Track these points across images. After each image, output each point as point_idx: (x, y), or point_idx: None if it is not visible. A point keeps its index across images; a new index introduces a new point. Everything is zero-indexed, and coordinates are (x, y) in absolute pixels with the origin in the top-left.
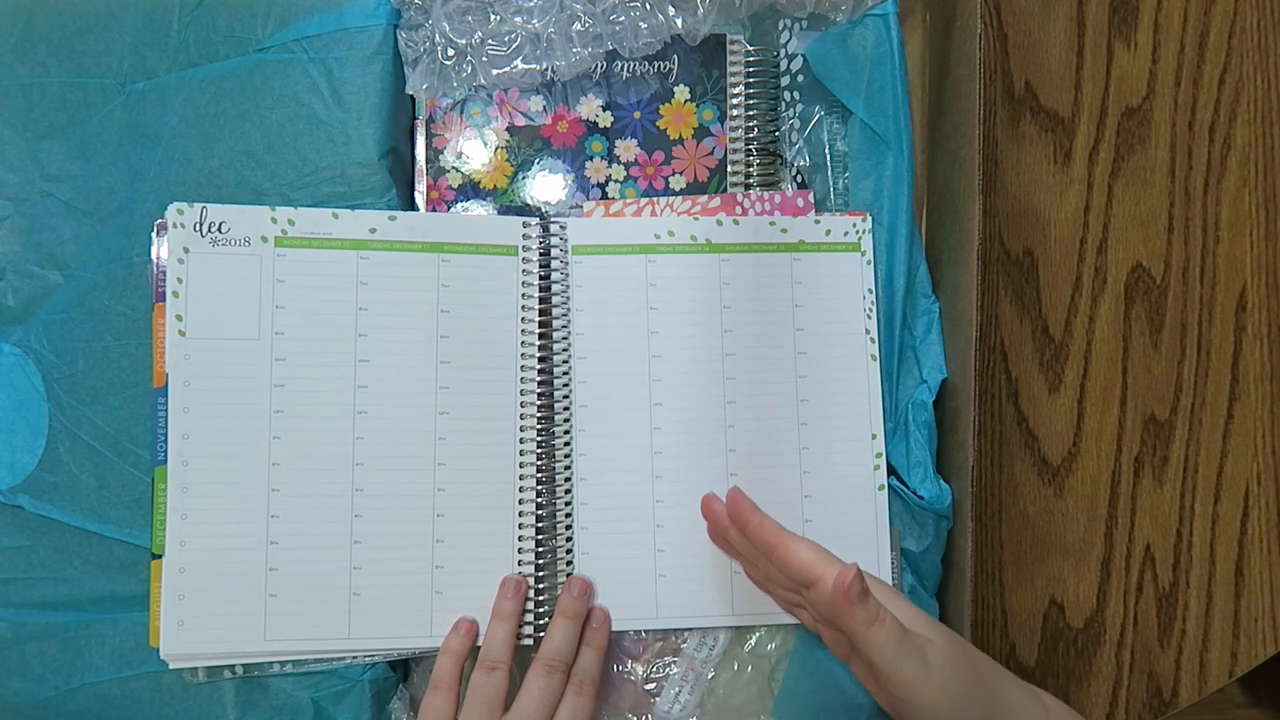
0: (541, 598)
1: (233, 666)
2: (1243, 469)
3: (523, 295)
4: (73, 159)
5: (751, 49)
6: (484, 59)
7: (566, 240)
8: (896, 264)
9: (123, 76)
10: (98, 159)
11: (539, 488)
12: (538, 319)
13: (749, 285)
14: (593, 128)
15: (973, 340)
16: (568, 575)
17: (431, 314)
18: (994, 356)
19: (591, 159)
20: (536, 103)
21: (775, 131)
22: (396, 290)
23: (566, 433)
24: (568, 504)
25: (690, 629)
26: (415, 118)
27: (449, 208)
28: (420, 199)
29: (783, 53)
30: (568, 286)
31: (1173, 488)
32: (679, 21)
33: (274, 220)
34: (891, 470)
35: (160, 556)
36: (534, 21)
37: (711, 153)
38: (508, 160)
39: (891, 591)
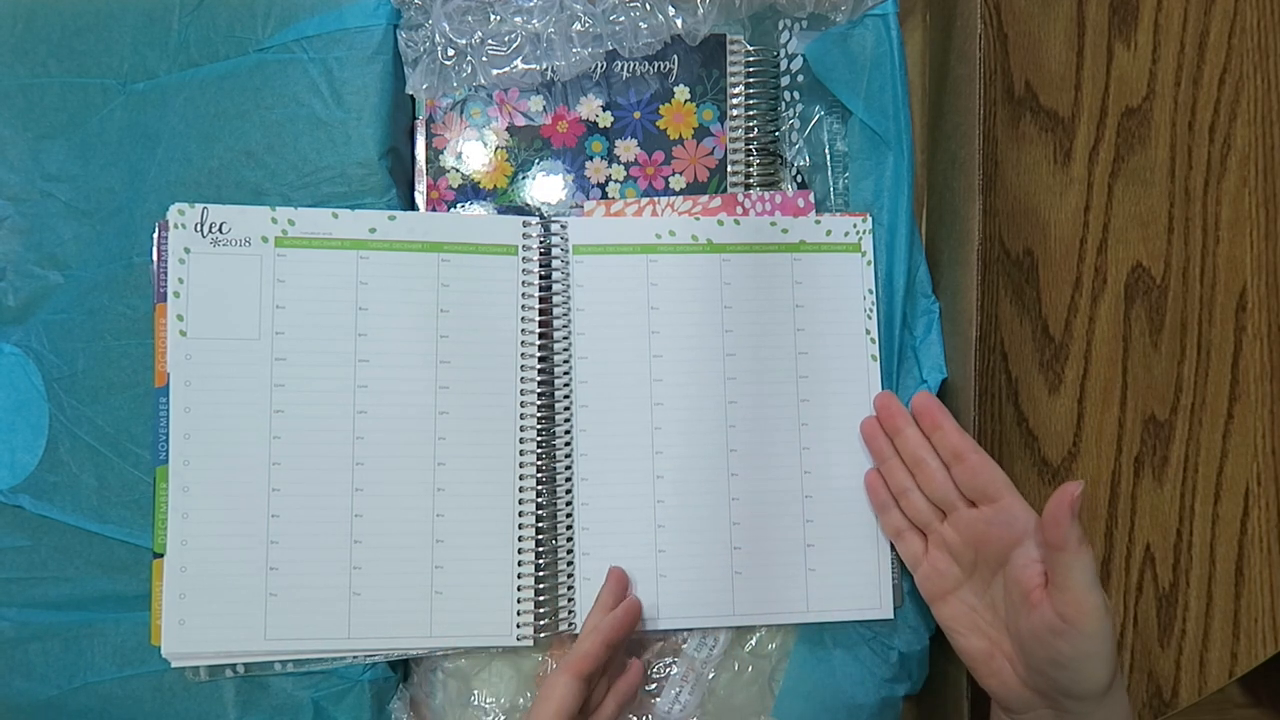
0: (542, 598)
1: (234, 666)
2: (1243, 469)
3: (523, 295)
4: (73, 159)
5: (751, 49)
6: (484, 59)
7: (567, 240)
8: (896, 264)
9: (123, 76)
10: (98, 159)
11: (539, 488)
12: (538, 319)
13: (750, 285)
14: (593, 128)
15: (973, 340)
16: (568, 575)
17: (431, 314)
18: (994, 356)
19: (591, 159)
20: (536, 103)
21: (775, 131)
22: (396, 290)
23: (567, 432)
24: (568, 504)
25: (691, 629)
26: (415, 118)
27: (449, 208)
28: (420, 199)
29: (783, 53)
30: (568, 286)
31: (1173, 488)
32: (679, 21)
33: (274, 220)
34: None
35: (161, 556)
36: (534, 21)
37: (711, 153)
38: (508, 160)
39: None
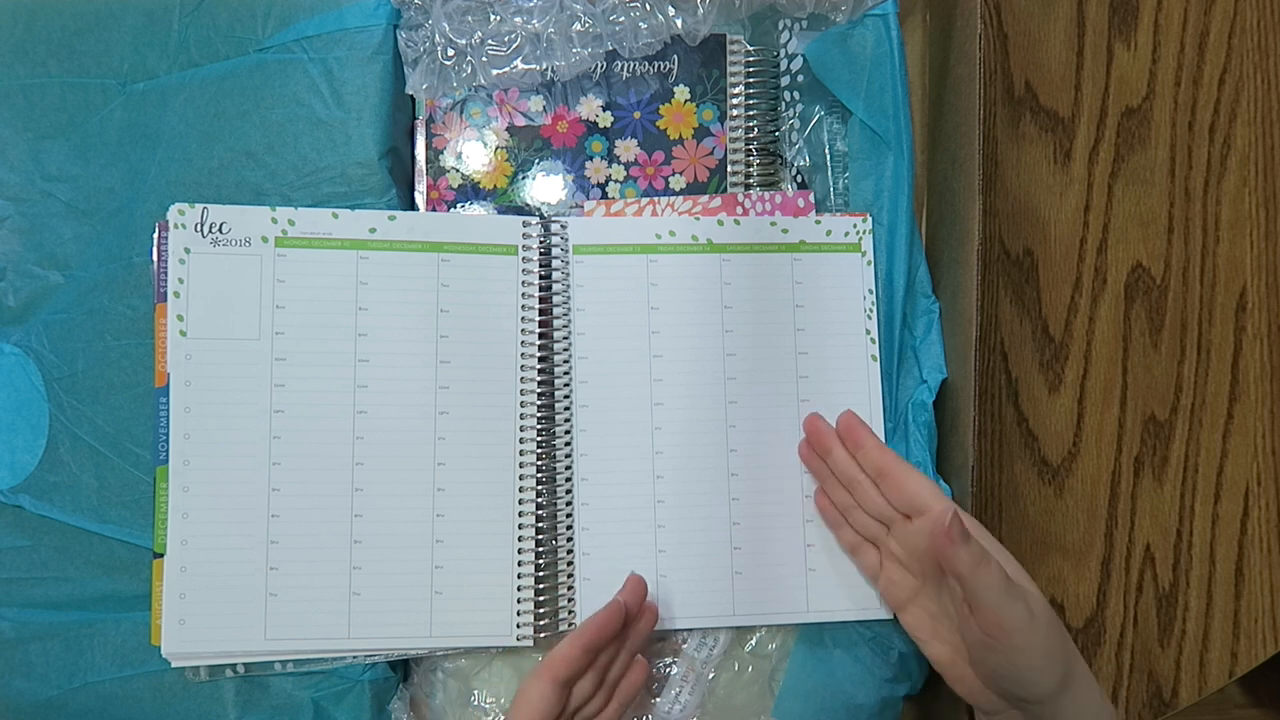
0: (542, 598)
1: (234, 666)
2: (1243, 469)
3: (523, 295)
4: (73, 159)
5: (751, 49)
6: (484, 59)
7: (567, 240)
8: (896, 264)
9: (123, 77)
10: (98, 159)
11: (539, 488)
12: (538, 319)
13: (750, 285)
14: (593, 128)
15: (973, 340)
16: (568, 575)
17: (431, 314)
18: (994, 356)
19: (591, 159)
20: (536, 103)
21: (775, 131)
22: (396, 290)
23: (567, 433)
24: (568, 504)
25: (691, 629)
26: (415, 118)
27: (449, 208)
28: (420, 199)
29: (783, 53)
30: (568, 286)
31: (1173, 488)
32: (679, 21)
33: (274, 220)
34: None
35: (162, 555)
36: (534, 21)
37: (711, 153)
38: (508, 160)
39: (991, 540)
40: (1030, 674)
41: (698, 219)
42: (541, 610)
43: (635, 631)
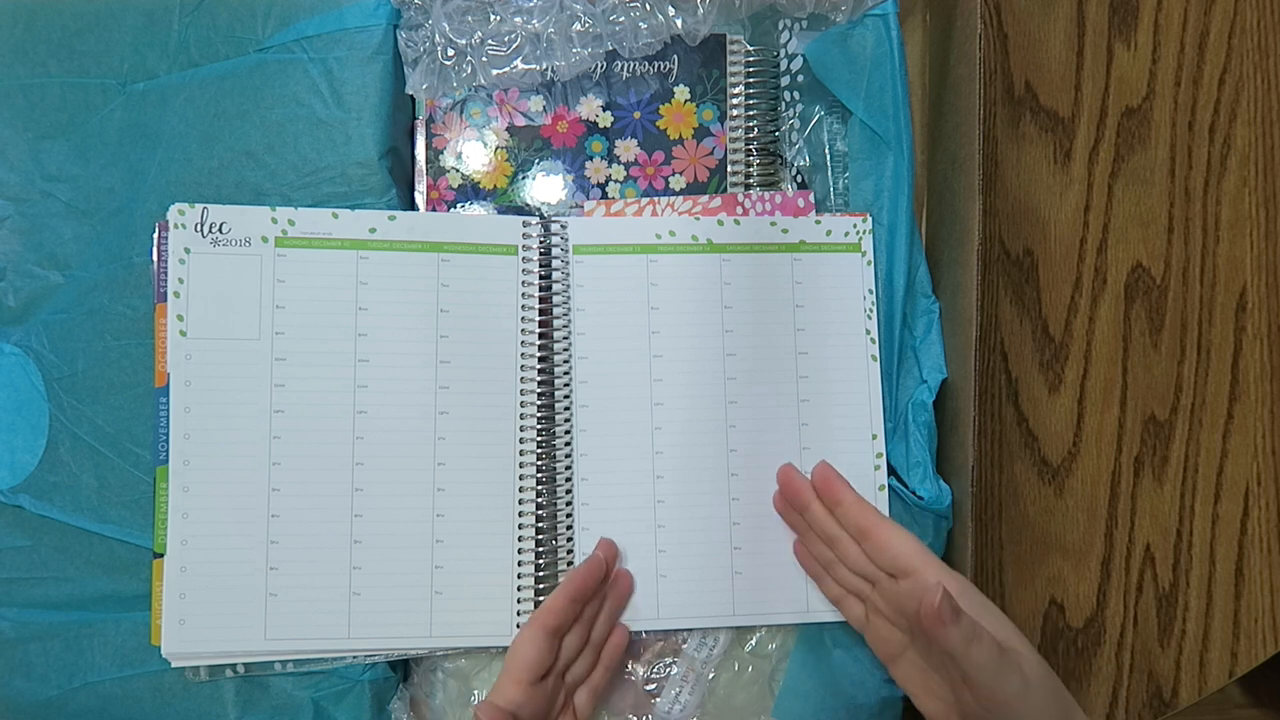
0: (542, 599)
1: (234, 666)
2: (1243, 469)
3: (523, 295)
4: (73, 159)
5: (751, 49)
6: (484, 59)
7: (567, 240)
8: (896, 264)
9: (123, 76)
10: (98, 159)
11: (539, 488)
12: (538, 319)
13: (750, 285)
14: (593, 128)
15: (973, 340)
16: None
17: (431, 314)
18: (994, 356)
19: (591, 159)
20: (536, 103)
21: (775, 131)
22: (396, 290)
23: (567, 433)
24: (568, 504)
25: (691, 629)
26: (415, 118)
27: (449, 208)
28: (420, 199)
29: (783, 53)
30: (568, 286)
31: (1173, 488)
32: (679, 21)
33: (274, 220)
34: (891, 470)
35: (162, 555)
36: (534, 21)
37: (711, 153)
38: (508, 160)
39: (977, 599)
40: None
41: (698, 219)
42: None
43: (615, 594)
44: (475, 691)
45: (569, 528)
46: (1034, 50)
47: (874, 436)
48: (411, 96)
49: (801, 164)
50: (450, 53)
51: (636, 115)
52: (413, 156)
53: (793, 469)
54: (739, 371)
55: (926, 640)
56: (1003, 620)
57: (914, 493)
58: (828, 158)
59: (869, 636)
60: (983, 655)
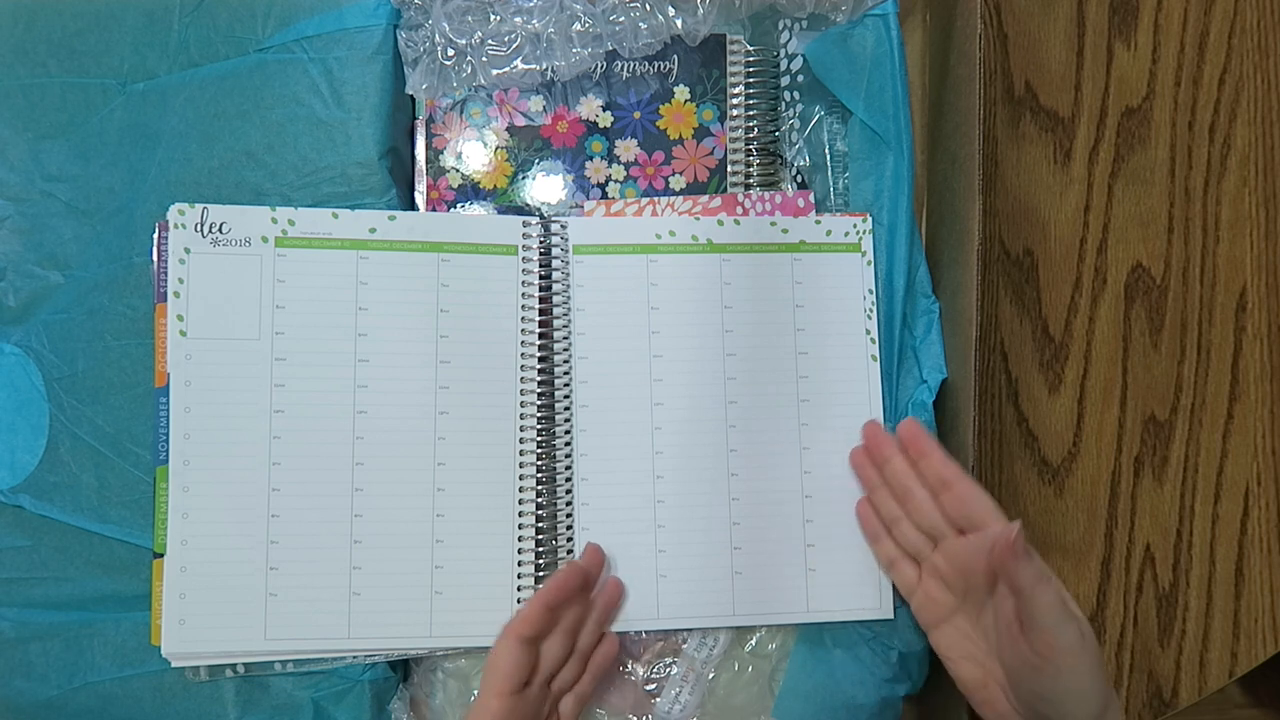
0: None
1: (234, 666)
2: (1243, 469)
3: (523, 295)
4: (73, 159)
5: (751, 49)
6: (484, 59)
7: (567, 240)
8: (896, 264)
9: (123, 76)
10: (98, 159)
11: (539, 488)
12: (538, 319)
13: (750, 285)
14: (593, 128)
15: (973, 340)
16: None
17: (431, 314)
18: (994, 356)
19: (591, 159)
20: (536, 103)
21: (775, 131)
22: (396, 290)
23: (567, 433)
24: (568, 504)
25: (691, 629)
26: (415, 118)
27: (449, 208)
28: (420, 199)
29: (783, 53)
30: (568, 286)
31: (1173, 488)
32: (679, 22)
33: (274, 220)
34: None
35: (162, 555)
36: (534, 21)
37: (711, 153)
38: (508, 160)
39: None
40: (1074, 698)
41: (698, 219)
42: None
43: (602, 600)
44: (475, 691)
45: (569, 528)
46: (1034, 50)
47: None
48: (411, 96)
49: (801, 164)
50: (450, 53)
51: (636, 115)
52: (413, 156)
53: (878, 424)
54: (739, 371)
55: (981, 585)
56: (1061, 586)
57: None
58: (828, 158)
59: (916, 600)
60: (1050, 596)
